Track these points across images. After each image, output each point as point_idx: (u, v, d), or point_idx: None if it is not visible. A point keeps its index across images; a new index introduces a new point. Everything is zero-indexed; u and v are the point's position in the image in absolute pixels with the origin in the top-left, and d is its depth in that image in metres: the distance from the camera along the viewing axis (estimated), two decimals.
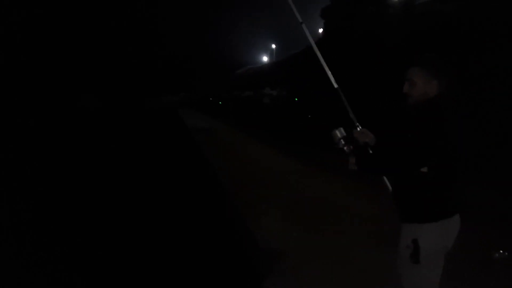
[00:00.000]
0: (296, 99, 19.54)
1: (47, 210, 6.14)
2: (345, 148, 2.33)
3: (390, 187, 2.37)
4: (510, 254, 3.75)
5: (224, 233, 5.10)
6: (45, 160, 11.17)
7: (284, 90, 23.56)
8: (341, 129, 2.36)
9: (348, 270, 3.72)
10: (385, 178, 2.46)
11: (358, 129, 2.48)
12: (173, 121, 31.70)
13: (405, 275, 2.18)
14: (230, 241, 4.82)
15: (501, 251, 3.78)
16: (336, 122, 2.50)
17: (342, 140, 2.35)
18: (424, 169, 2.00)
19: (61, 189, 7.61)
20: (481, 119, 7.31)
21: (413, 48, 11.25)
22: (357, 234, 4.72)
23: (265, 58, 74.67)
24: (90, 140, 17.14)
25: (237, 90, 44.95)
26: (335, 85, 2.65)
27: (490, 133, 7.33)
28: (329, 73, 2.66)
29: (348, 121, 2.59)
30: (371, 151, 2.37)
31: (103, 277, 3.85)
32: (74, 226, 5.34)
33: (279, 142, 14.80)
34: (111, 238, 4.89)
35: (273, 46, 74.35)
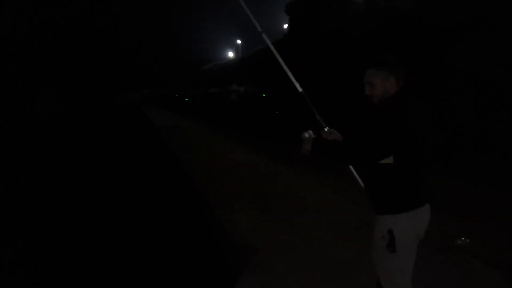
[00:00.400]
0: (264, 95, 19.63)
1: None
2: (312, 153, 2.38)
3: (361, 183, 2.46)
4: (471, 241, 4.00)
5: (195, 230, 5.12)
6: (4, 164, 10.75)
7: (251, 86, 23.59)
8: (310, 131, 2.42)
9: (320, 263, 3.82)
10: (355, 173, 2.55)
11: (326, 129, 2.56)
12: (137, 118, 31.17)
13: (381, 265, 2.27)
14: (201, 238, 4.84)
15: (463, 238, 4.02)
16: (304, 118, 2.57)
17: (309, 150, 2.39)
18: (390, 161, 2.09)
19: (23, 190, 7.39)
20: (444, 112, 7.64)
21: (376, 44, 11.56)
22: (329, 227, 4.82)
23: (230, 54, 74.37)
24: (51, 140, 16.59)
25: (203, 86, 44.56)
26: (300, 89, 2.72)
27: (454, 125, 7.67)
28: (293, 79, 2.72)
29: (316, 121, 2.67)
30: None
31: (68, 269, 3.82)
32: (36, 226, 5.24)
33: (248, 138, 14.87)
34: (77, 236, 4.87)
35: (239, 41, 74.21)
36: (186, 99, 46.99)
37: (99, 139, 16.70)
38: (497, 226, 4.52)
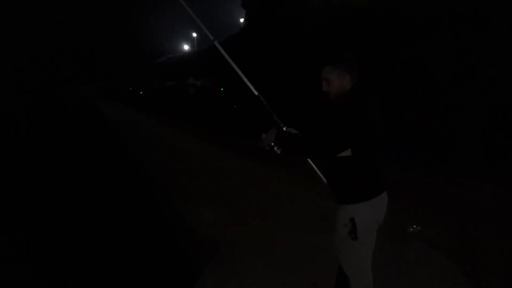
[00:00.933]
0: (221, 89, 19.55)
1: None
2: (275, 148, 2.41)
3: (321, 176, 2.56)
4: (422, 229, 4.25)
5: (154, 226, 5.08)
6: None
7: (209, 80, 23.40)
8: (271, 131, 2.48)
9: (284, 253, 3.91)
10: (314, 166, 2.64)
11: (284, 129, 2.64)
12: (90, 113, 30.11)
13: (343, 252, 2.39)
14: (160, 234, 4.82)
15: (415, 226, 4.27)
16: (262, 117, 2.62)
17: (273, 145, 2.41)
18: (348, 153, 2.20)
19: None
20: (401, 106, 7.98)
21: (330, 39, 11.84)
22: (292, 218, 4.93)
23: (186, 47, 73.24)
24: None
25: (158, 79, 43.64)
26: (255, 93, 2.76)
27: (409, 118, 8.04)
28: (248, 83, 2.76)
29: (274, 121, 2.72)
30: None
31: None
32: None
33: (206, 132, 14.79)
34: (26, 232, 4.77)
35: (194, 34, 73.23)
36: (141, 92, 45.83)
37: (34, 136, 15.81)
38: (445, 213, 4.83)
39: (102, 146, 12.78)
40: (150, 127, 18.41)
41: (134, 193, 6.76)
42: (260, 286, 3.32)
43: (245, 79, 2.78)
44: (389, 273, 3.33)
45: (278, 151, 2.38)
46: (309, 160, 2.68)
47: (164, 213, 5.65)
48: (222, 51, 2.86)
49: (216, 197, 6.14)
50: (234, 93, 17.66)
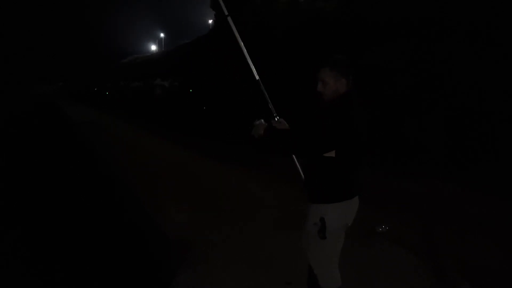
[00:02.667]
0: (190, 90, 19.35)
1: None
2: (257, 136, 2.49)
3: (301, 172, 2.60)
4: (390, 228, 4.39)
5: (121, 230, 4.98)
6: None
7: (176, 81, 23.09)
8: (262, 120, 2.51)
9: (255, 253, 3.93)
10: (297, 163, 2.68)
11: (276, 119, 2.67)
12: (51, 113, 29.10)
13: (312, 250, 2.45)
14: (129, 237, 4.73)
15: (383, 226, 4.40)
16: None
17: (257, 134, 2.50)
18: (332, 154, 2.25)
19: None
20: (366, 108, 8.17)
21: (299, 43, 11.99)
22: (262, 219, 4.97)
23: (153, 47, 72.04)
24: None
25: (124, 80, 42.67)
26: (256, 77, 2.77)
27: (374, 121, 8.24)
28: (252, 66, 2.76)
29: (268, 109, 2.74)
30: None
31: None
32: None
33: (174, 134, 14.62)
34: None
35: (162, 35, 72.20)
36: (107, 93, 44.67)
37: None
38: (410, 213, 5.02)
39: (64, 148, 12.37)
40: (116, 128, 17.99)
41: (100, 197, 6.59)
42: (234, 286, 3.33)
43: (250, 62, 2.76)
44: (358, 271, 3.42)
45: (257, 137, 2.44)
46: (294, 160, 2.69)
47: (133, 216, 5.55)
48: (234, 28, 2.82)
49: (188, 198, 6.10)
50: (203, 94, 17.53)
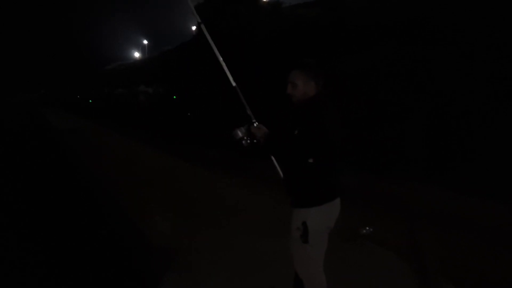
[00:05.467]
0: (174, 97, 19.28)
1: None
2: (243, 142, 2.57)
3: (282, 175, 2.62)
4: (374, 230, 4.43)
5: (104, 238, 4.91)
6: None
7: (160, 88, 22.98)
8: (242, 128, 2.55)
9: (240, 259, 3.92)
10: (277, 166, 2.70)
11: (255, 124, 2.68)
12: (33, 121, 28.61)
13: (296, 254, 2.47)
14: (112, 245, 4.67)
15: (367, 228, 4.44)
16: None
17: (243, 137, 2.57)
18: (310, 160, 2.27)
19: None
20: (347, 112, 8.26)
21: (281, 49, 12.08)
22: (247, 225, 4.95)
23: (136, 54, 71.68)
24: None
25: (108, 87, 42.28)
26: (233, 84, 2.78)
27: (356, 124, 8.33)
28: (228, 73, 2.78)
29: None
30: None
31: None
32: None
33: (159, 141, 14.52)
34: None
35: (145, 41, 71.86)
36: (90, 100, 44.19)
37: None
38: (394, 215, 5.07)
39: (47, 156, 12.15)
40: (100, 136, 17.77)
41: (82, 205, 6.48)
42: None
43: (226, 69, 2.78)
44: (343, 273, 3.43)
45: (245, 144, 2.52)
46: (274, 162, 2.71)
47: (116, 224, 5.47)
48: (207, 35, 2.84)
49: (171, 205, 6.05)
50: (187, 100, 17.48)
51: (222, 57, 2.83)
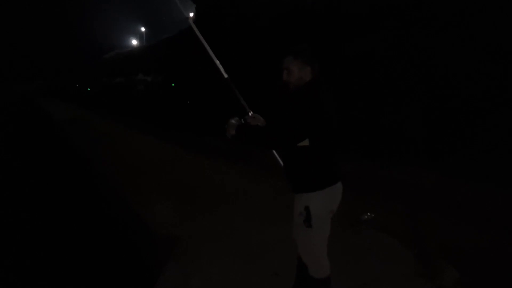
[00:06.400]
0: (173, 84, 19.17)
1: None
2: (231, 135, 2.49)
3: (281, 163, 2.61)
4: (375, 216, 4.44)
5: (107, 227, 4.93)
6: None
7: (159, 76, 22.85)
8: (236, 118, 2.52)
9: (242, 246, 3.93)
10: (276, 154, 2.69)
11: (250, 114, 2.67)
12: (30, 112, 28.54)
13: (300, 239, 2.47)
14: (114, 234, 4.69)
15: (368, 214, 4.45)
16: (223, 106, 2.64)
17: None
18: (306, 143, 2.25)
19: None
20: (348, 98, 8.24)
21: (280, 33, 11.97)
22: (248, 212, 4.96)
23: (134, 42, 71.03)
24: None
25: (106, 76, 42.04)
26: (225, 75, 2.77)
27: (357, 111, 8.32)
28: (219, 65, 2.76)
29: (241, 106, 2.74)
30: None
31: None
32: None
33: (158, 129, 14.50)
34: None
35: (143, 29, 71.21)
36: (88, 89, 43.98)
37: None
38: (395, 201, 5.08)
39: (46, 147, 12.14)
40: (99, 126, 17.72)
41: (84, 195, 6.50)
42: (222, 279, 3.32)
43: (216, 61, 2.76)
44: (345, 259, 3.45)
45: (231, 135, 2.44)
46: (273, 151, 2.70)
47: (118, 213, 5.50)
48: (195, 28, 2.81)
49: (173, 193, 6.05)
50: (186, 88, 17.40)
51: (215, 48, 2.81)
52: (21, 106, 36.59)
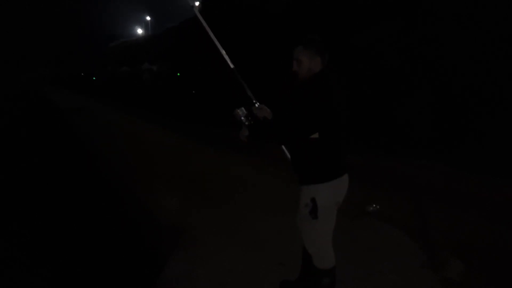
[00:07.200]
0: (178, 74, 19.14)
1: None
2: (246, 123, 2.49)
3: (288, 155, 2.60)
4: (380, 208, 4.43)
5: (114, 216, 4.96)
6: None
7: (164, 65, 22.81)
8: (242, 108, 2.52)
9: (248, 236, 3.94)
10: (283, 146, 2.68)
11: (256, 105, 2.65)
12: (36, 101, 28.65)
13: (305, 230, 2.47)
14: (122, 223, 4.71)
15: (374, 205, 4.44)
16: (230, 95, 2.63)
17: (244, 117, 2.51)
18: (316, 135, 2.24)
19: None
20: (354, 90, 8.18)
21: (288, 23, 11.87)
22: (254, 202, 4.97)
23: (139, 31, 70.94)
24: None
25: (111, 65, 42.06)
26: (231, 66, 2.74)
27: (364, 103, 8.26)
28: (225, 55, 2.72)
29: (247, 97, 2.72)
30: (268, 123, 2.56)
31: None
32: None
33: (164, 119, 14.51)
34: None
35: (148, 18, 71.11)
36: (94, 78, 44.06)
37: None
38: (400, 192, 5.07)
39: (52, 135, 12.20)
40: (104, 115, 17.76)
41: (91, 184, 6.53)
42: (227, 268, 3.33)
43: (223, 51, 2.73)
44: (351, 250, 3.45)
45: (246, 123, 2.48)
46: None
47: (124, 202, 5.52)
48: (200, 18, 2.78)
49: (178, 183, 6.07)
50: (192, 78, 17.35)
51: (222, 37, 2.78)
52: (28, 94, 36.68)
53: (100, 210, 5.18)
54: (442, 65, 7.52)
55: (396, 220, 4.20)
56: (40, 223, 4.78)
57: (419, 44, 7.94)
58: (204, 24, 2.79)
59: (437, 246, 3.63)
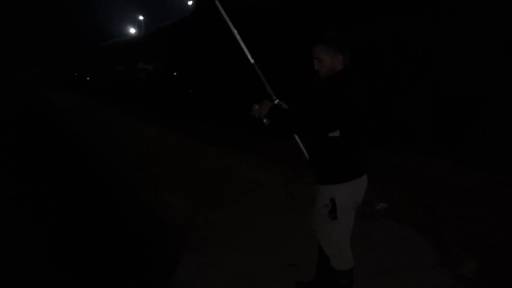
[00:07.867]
0: (175, 73, 19.02)
1: None
2: (264, 120, 2.44)
3: (306, 154, 2.56)
4: (388, 206, 4.41)
5: (118, 218, 4.88)
6: None
7: (160, 64, 22.67)
8: (266, 100, 2.46)
9: (260, 238, 3.89)
10: (301, 145, 2.63)
11: (276, 102, 2.59)
12: (31, 99, 28.41)
13: (324, 231, 2.43)
14: (126, 225, 4.65)
15: (382, 204, 4.42)
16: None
17: (263, 115, 2.44)
18: (336, 134, 2.20)
19: None
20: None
21: (289, 22, 11.81)
22: (259, 201, 4.92)
23: (132, 30, 70.39)
24: None
25: (106, 64, 41.75)
26: (252, 61, 2.65)
27: (371, 99, 8.22)
28: (245, 49, 2.64)
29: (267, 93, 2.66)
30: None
31: None
32: None
33: (161, 118, 14.43)
34: None
35: (140, 17, 70.52)
36: (88, 78, 43.75)
37: None
38: (408, 190, 5.05)
39: (48, 134, 12.07)
40: (100, 114, 17.63)
41: (92, 185, 6.44)
42: (239, 270, 3.29)
43: (243, 46, 2.63)
44: (362, 249, 3.41)
45: (266, 123, 2.41)
46: (296, 137, 2.64)
47: (129, 204, 5.45)
48: (221, 10, 2.66)
49: (183, 183, 6.01)
50: (188, 77, 17.26)
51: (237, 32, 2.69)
52: (24, 93, 36.36)
53: (103, 211, 5.09)
54: (444, 61, 7.50)
55: (404, 218, 4.19)
56: (46, 225, 4.71)
57: (421, 40, 7.92)
58: (227, 18, 2.67)
59: (449, 244, 3.62)
